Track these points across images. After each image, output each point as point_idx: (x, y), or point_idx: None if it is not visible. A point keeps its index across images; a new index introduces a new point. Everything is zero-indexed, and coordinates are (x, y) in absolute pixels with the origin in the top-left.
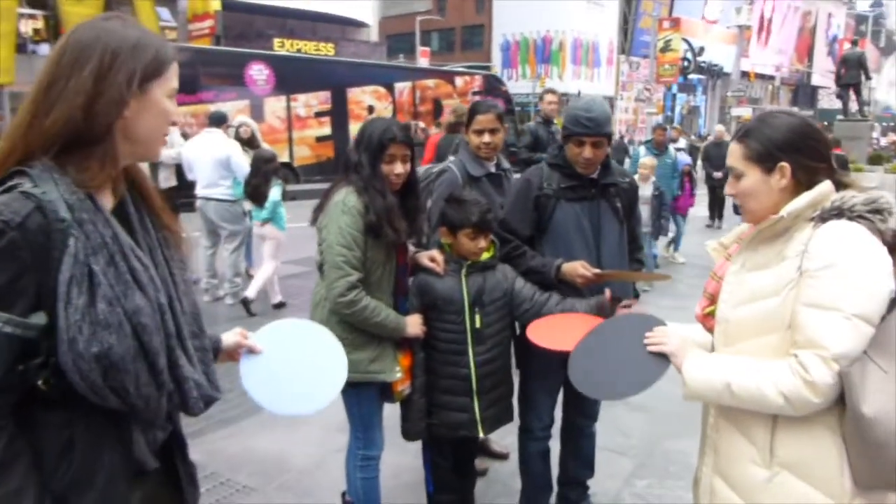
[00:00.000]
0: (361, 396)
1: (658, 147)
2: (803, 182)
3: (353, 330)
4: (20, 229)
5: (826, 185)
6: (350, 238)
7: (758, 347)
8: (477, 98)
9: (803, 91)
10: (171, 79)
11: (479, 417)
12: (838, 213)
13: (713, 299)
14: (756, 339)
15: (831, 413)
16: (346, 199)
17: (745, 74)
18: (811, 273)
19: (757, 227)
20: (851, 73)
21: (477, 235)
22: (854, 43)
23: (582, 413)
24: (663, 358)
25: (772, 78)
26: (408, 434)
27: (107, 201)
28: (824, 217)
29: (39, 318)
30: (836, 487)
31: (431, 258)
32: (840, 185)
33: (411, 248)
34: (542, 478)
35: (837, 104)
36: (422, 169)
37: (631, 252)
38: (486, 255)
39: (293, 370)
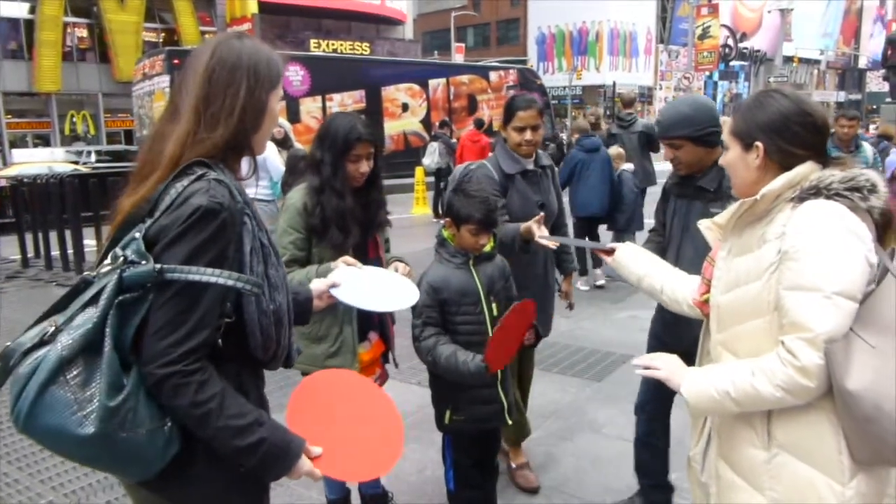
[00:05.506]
0: None
1: (843, 145)
2: (780, 164)
3: (314, 322)
4: (228, 209)
5: (805, 167)
6: (287, 237)
7: (748, 331)
8: (512, 92)
9: (850, 74)
10: (281, 87)
11: (506, 406)
12: (815, 192)
13: (710, 285)
14: (745, 324)
15: (825, 393)
16: (291, 195)
17: (788, 59)
18: (789, 255)
19: (737, 211)
20: None
21: (479, 232)
22: None
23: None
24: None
25: (817, 62)
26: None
27: None
28: (802, 197)
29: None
30: (835, 466)
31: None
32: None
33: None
34: (650, 473)
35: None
36: (460, 167)
37: None
38: (487, 248)
39: (377, 287)
